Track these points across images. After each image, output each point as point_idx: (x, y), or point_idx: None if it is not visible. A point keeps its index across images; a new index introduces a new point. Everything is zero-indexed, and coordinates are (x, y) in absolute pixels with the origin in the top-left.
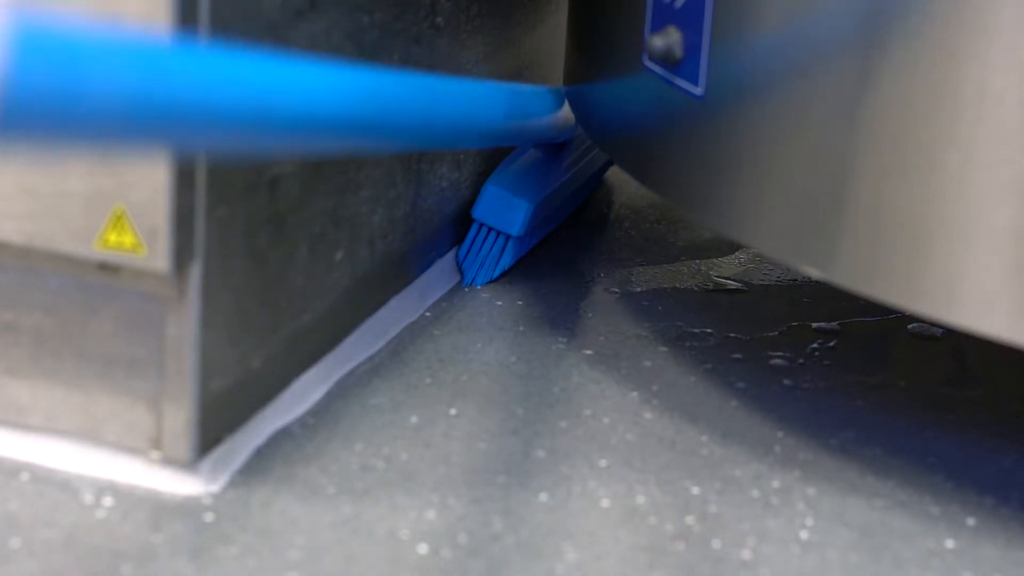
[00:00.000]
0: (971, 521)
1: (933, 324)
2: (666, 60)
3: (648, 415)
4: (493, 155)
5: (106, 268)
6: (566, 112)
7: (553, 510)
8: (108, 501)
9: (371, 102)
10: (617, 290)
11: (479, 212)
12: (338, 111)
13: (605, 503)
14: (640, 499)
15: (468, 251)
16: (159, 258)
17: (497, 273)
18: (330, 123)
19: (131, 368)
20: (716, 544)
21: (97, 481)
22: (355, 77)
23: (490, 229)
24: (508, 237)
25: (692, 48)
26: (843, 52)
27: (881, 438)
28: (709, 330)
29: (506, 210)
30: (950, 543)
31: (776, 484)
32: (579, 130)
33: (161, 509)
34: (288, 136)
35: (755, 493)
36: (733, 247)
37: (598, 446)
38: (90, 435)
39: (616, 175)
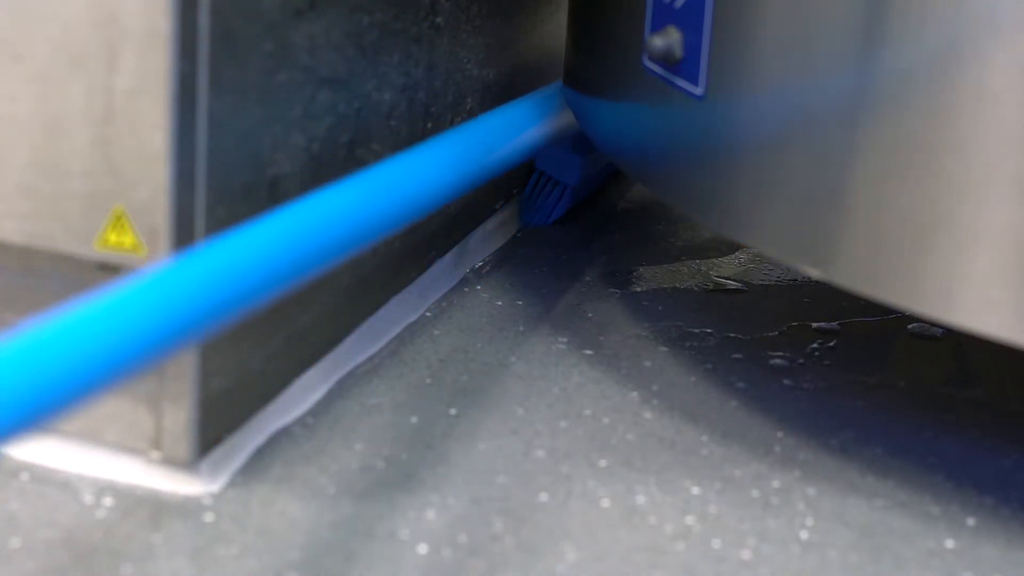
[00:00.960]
0: (971, 521)
1: (933, 324)
2: (666, 60)
3: (648, 415)
4: None
5: (106, 268)
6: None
7: (553, 510)
8: (108, 501)
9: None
10: (617, 290)
11: (541, 163)
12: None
13: (605, 503)
14: (640, 499)
15: (528, 197)
16: (159, 258)
17: (552, 219)
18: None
19: None
20: (716, 544)
21: (97, 481)
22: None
23: (549, 178)
24: (565, 186)
25: (692, 48)
26: (843, 53)
27: (881, 438)
28: (709, 330)
29: (564, 162)
30: (950, 543)
31: (776, 484)
32: None
33: (161, 509)
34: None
35: (755, 493)
36: (733, 247)
37: (598, 446)
38: (90, 435)
39: (616, 175)
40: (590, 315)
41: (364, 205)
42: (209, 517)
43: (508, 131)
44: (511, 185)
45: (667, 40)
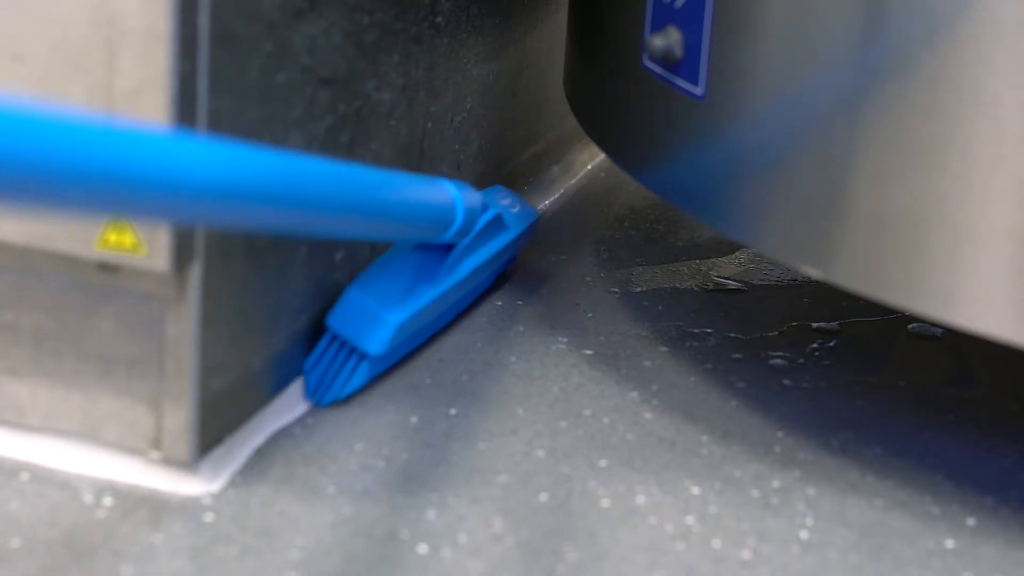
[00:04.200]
0: (971, 521)
1: (933, 324)
2: (666, 60)
3: (648, 415)
4: (493, 156)
5: (106, 268)
6: (449, 203)
7: (553, 510)
8: (108, 501)
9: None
10: (617, 290)
11: (336, 321)
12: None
13: (605, 503)
14: (640, 499)
15: (314, 365)
16: (159, 258)
17: (344, 395)
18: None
19: (131, 368)
20: (716, 544)
21: (97, 481)
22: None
23: (344, 342)
24: (364, 355)
25: (692, 48)
26: (843, 52)
27: (881, 438)
28: (709, 330)
29: (368, 323)
30: (950, 543)
31: (776, 484)
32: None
33: (161, 509)
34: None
35: (755, 493)
36: (733, 247)
37: (598, 446)
38: (90, 435)
39: (616, 175)
40: (590, 315)
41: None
42: (209, 517)
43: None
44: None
45: (667, 40)
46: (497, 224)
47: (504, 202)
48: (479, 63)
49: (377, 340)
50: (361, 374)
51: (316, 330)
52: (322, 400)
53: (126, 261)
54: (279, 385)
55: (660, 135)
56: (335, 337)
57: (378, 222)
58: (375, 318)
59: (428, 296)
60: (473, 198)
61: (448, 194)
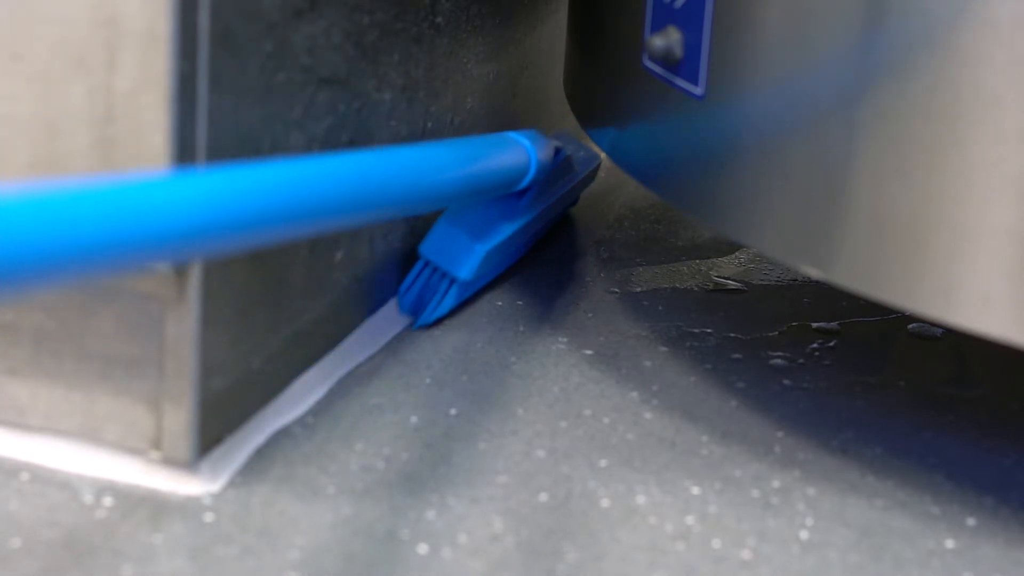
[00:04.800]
0: (971, 521)
1: (933, 324)
2: (666, 60)
3: (648, 415)
4: None
5: None
6: (524, 159)
7: (553, 510)
8: (108, 501)
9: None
10: (617, 290)
11: (428, 249)
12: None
13: (605, 503)
14: (640, 499)
15: (408, 288)
16: None
17: (434, 318)
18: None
19: (131, 368)
20: (716, 544)
21: (97, 481)
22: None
23: (436, 268)
24: (453, 279)
25: (692, 48)
26: (843, 52)
27: (881, 438)
28: (709, 330)
29: (458, 252)
30: (950, 543)
31: (776, 484)
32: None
33: (161, 509)
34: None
35: (755, 493)
36: (733, 247)
37: (598, 446)
38: (90, 435)
39: (616, 175)
40: (590, 315)
41: (364, 176)
42: (209, 517)
43: (504, 157)
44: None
45: (667, 40)
46: (567, 167)
47: (571, 146)
48: (479, 63)
49: (466, 266)
50: (450, 298)
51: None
52: (416, 323)
53: None
54: (279, 385)
55: (660, 135)
56: (427, 264)
57: (453, 198)
58: (465, 246)
59: (509, 229)
60: (545, 148)
61: (522, 150)
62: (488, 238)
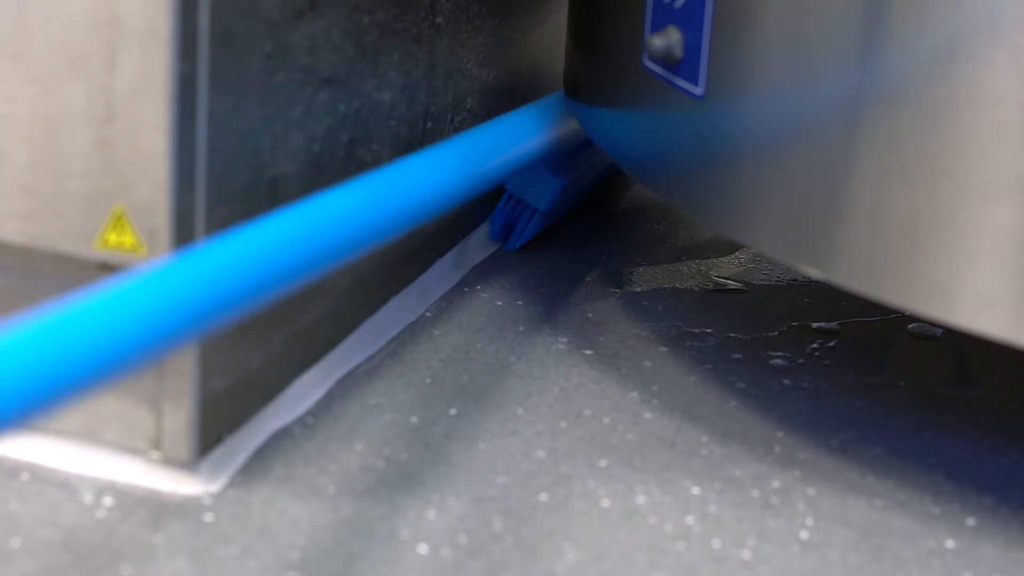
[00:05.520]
0: (971, 521)
1: (933, 324)
2: (666, 60)
3: (648, 415)
4: None
5: (106, 268)
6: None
7: (553, 510)
8: (108, 501)
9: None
10: (617, 290)
11: (512, 184)
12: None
13: (605, 503)
14: (640, 499)
15: (496, 218)
16: (159, 258)
17: (519, 244)
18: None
19: None
20: (716, 544)
21: (97, 481)
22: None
23: (519, 200)
24: (535, 210)
25: (692, 48)
26: (843, 52)
27: (881, 438)
28: (709, 330)
29: (537, 185)
30: (950, 543)
31: (776, 484)
32: None
33: (161, 509)
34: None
35: (755, 493)
36: (733, 247)
37: (598, 446)
38: (90, 435)
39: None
40: (590, 315)
41: (366, 208)
42: (209, 517)
43: (511, 139)
44: None
45: (667, 40)
46: None
47: None
48: (479, 63)
49: (546, 198)
50: (533, 226)
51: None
52: (503, 247)
53: (126, 261)
54: (279, 385)
55: (660, 135)
56: (511, 196)
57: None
58: (545, 180)
59: (580, 169)
60: None
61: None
62: (564, 174)
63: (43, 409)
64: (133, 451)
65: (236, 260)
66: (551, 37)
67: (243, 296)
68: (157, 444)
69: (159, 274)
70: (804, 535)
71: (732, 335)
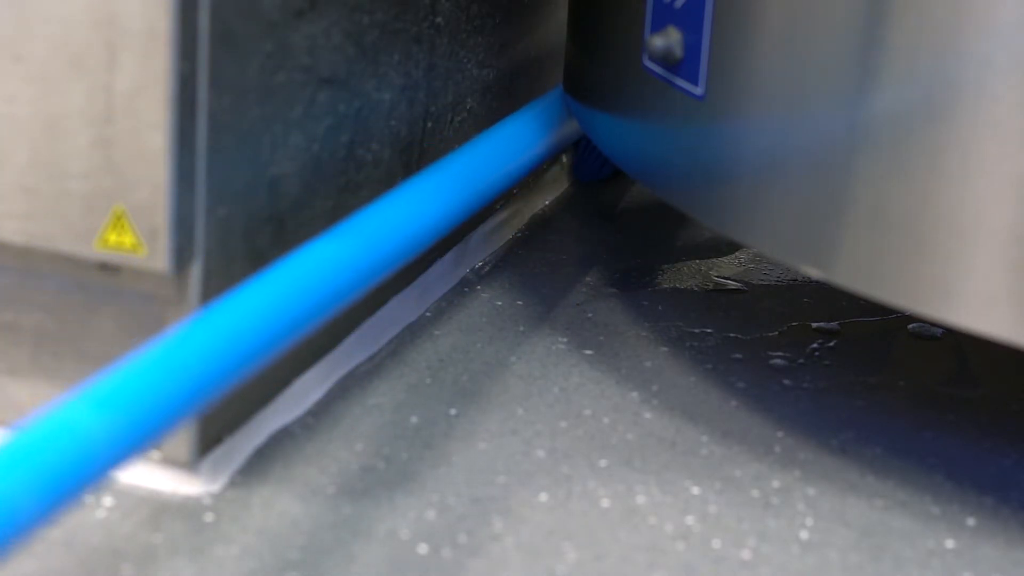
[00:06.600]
0: (971, 521)
1: (933, 324)
2: (666, 60)
3: (648, 415)
4: None
5: (106, 268)
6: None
7: (553, 510)
8: (108, 501)
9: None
10: (617, 290)
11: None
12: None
13: (605, 503)
14: (640, 499)
15: (579, 154)
16: (159, 258)
17: (602, 175)
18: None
19: None
20: (716, 544)
21: None
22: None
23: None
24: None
25: (692, 48)
26: (843, 52)
27: (881, 438)
28: (709, 330)
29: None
30: (950, 543)
31: (776, 484)
32: None
33: (161, 509)
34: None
35: (755, 493)
36: (733, 247)
37: (598, 446)
38: None
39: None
40: (590, 315)
41: (360, 254)
42: (209, 517)
43: (512, 148)
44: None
45: (667, 40)
46: None
47: None
48: (479, 63)
49: None
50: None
51: None
52: (586, 177)
53: (126, 261)
54: (279, 385)
55: (660, 135)
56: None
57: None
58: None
59: None
60: None
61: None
62: None
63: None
64: None
65: (234, 327)
66: (551, 37)
67: (243, 364)
68: (157, 444)
69: (166, 347)
70: (804, 535)
71: (732, 335)
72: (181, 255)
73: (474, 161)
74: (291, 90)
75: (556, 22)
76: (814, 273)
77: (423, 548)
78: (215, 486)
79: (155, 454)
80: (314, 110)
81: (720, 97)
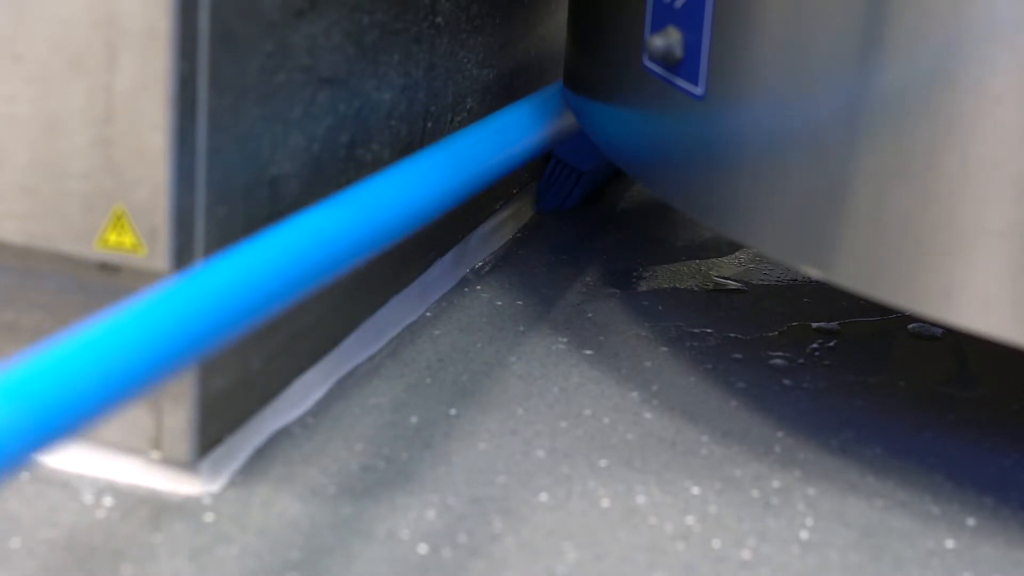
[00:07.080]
0: (971, 521)
1: (933, 324)
2: (666, 60)
3: (648, 415)
4: None
5: (106, 268)
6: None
7: (553, 510)
8: (108, 501)
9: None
10: (617, 290)
11: (557, 148)
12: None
13: (605, 503)
14: (640, 499)
15: (545, 182)
16: (159, 258)
17: (568, 205)
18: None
19: None
20: (716, 544)
21: (97, 481)
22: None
23: (565, 164)
24: (581, 172)
25: (692, 48)
26: (843, 53)
27: (881, 438)
28: (709, 330)
29: (579, 148)
30: (950, 543)
31: (776, 484)
32: None
33: (161, 509)
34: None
35: (755, 493)
36: (733, 247)
37: (598, 446)
38: (90, 435)
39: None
40: (590, 315)
41: (361, 219)
42: (209, 517)
43: (510, 135)
44: (511, 185)
45: (667, 40)
46: None
47: None
48: (479, 63)
49: (590, 160)
50: (579, 188)
51: None
52: (551, 206)
53: (126, 261)
54: (279, 385)
55: (660, 135)
56: (559, 162)
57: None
58: (588, 145)
59: None
60: None
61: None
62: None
63: (47, 445)
64: (133, 451)
65: (231, 280)
66: (551, 37)
67: (242, 315)
68: (157, 444)
69: (155, 300)
70: (804, 535)
71: (732, 335)
72: (181, 255)
73: (473, 142)
74: (291, 90)
75: (556, 22)
76: (814, 273)
77: (423, 548)
78: (215, 486)
79: (155, 454)
80: (314, 110)
81: (720, 97)
